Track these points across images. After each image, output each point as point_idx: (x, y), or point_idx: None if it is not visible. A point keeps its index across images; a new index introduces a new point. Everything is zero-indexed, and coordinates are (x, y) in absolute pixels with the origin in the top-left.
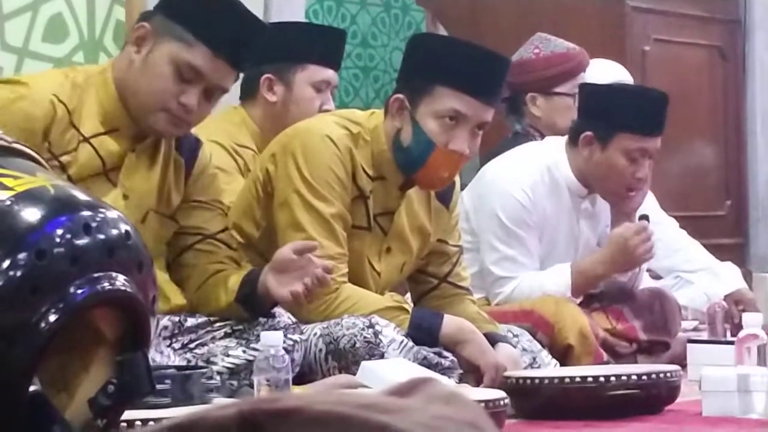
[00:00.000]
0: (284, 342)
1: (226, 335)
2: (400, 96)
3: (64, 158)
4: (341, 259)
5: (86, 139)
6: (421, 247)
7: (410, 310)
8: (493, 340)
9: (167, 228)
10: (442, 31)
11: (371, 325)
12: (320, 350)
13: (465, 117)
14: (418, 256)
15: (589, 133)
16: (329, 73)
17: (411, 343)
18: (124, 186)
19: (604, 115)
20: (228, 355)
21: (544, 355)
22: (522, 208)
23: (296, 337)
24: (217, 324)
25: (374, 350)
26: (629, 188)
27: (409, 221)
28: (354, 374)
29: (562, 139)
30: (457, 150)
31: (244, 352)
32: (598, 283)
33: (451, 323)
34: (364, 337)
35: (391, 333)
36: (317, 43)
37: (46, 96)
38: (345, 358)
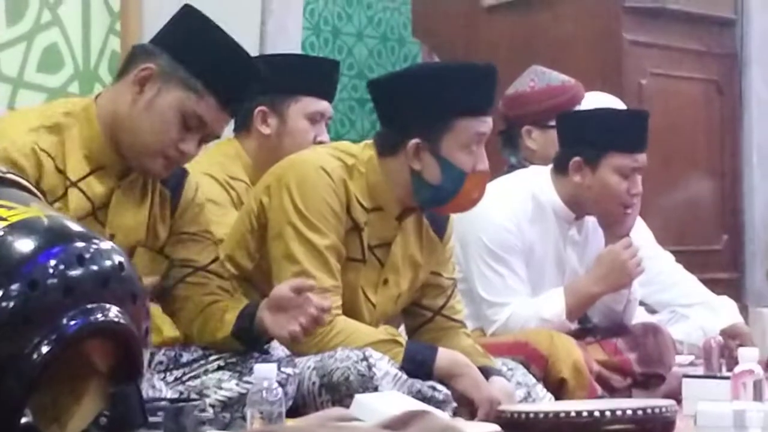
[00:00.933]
0: (278, 375)
1: (219, 368)
2: (417, 141)
3: (56, 204)
4: (335, 291)
5: (74, 184)
6: (413, 279)
7: (404, 343)
8: (487, 373)
9: (158, 263)
10: None
11: (365, 358)
12: (314, 383)
13: (484, 136)
14: (411, 288)
15: (577, 158)
16: (323, 105)
17: (405, 376)
18: (111, 225)
19: (589, 139)
20: (221, 388)
21: (539, 389)
22: (508, 233)
23: (290, 370)
24: (211, 357)
25: (368, 383)
26: (626, 205)
27: (402, 252)
28: (348, 407)
29: (547, 168)
30: (484, 169)
31: (237, 384)
32: (593, 303)
33: (445, 356)
34: (358, 370)
35: (385, 366)
36: (310, 75)
37: (28, 145)
38: (338, 391)
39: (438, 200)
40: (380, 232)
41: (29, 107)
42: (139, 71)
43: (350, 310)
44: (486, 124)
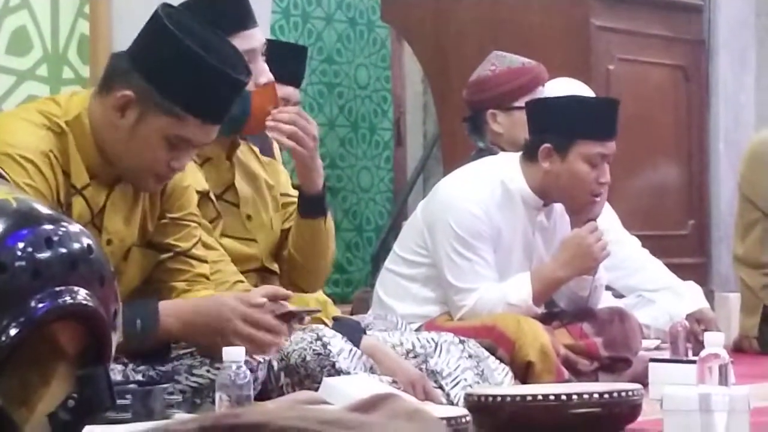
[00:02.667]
0: (249, 362)
1: (191, 354)
2: None
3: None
4: (224, 260)
5: (78, 191)
6: (273, 198)
7: (329, 324)
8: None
9: (150, 259)
10: (407, 48)
11: (319, 338)
12: (272, 367)
13: (254, 51)
14: (277, 208)
15: (547, 145)
16: (288, 90)
17: (359, 352)
18: (107, 230)
19: (558, 127)
20: (192, 374)
21: (491, 362)
22: (476, 219)
23: (260, 357)
24: (183, 342)
25: (325, 361)
26: (594, 194)
27: (249, 182)
28: (307, 389)
29: (516, 154)
30: (267, 80)
31: (208, 371)
32: (559, 287)
33: (367, 342)
34: (313, 350)
35: (339, 343)
36: (276, 61)
37: (42, 147)
38: (297, 373)
39: (234, 125)
40: (218, 178)
41: (21, 107)
42: (117, 98)
43: (242, 259)
44: (253, 40)
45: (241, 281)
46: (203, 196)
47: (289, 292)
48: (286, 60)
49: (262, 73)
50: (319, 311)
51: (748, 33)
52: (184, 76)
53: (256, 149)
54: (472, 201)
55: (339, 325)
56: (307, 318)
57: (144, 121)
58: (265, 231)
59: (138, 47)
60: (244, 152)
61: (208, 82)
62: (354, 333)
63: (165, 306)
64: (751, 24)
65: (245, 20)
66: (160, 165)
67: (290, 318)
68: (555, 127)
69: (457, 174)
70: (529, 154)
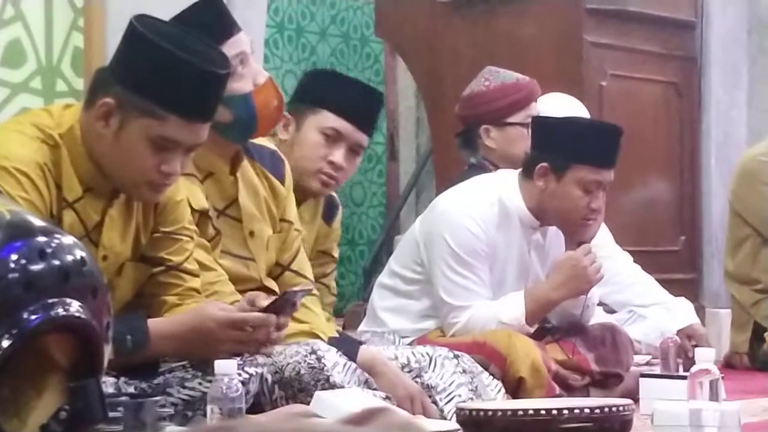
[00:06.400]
0: (241, 375)
1: (183, 367)
2: None
3: None
4: (221, 280)
5: (69, 205)
6: (272, 219)
7: (325, 337)
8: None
9: (142, 272)
10: (401, 63)
11: (313, 351)
12: (265, 380)
13: (242, 53)
14: (275, 229)
15: (544, 164)
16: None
17: (354, 365)
18: (104, 246)
19: (559, 148)
20: (184, 387)
21: (485, 377)
22: (473, 237)
23: (252, 370)
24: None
25: (319, 375)
26: (585, 218)
27: (252, 200)
28: (301, 402)
29: (515, 171)
30: (263, 80)
31: (200, 384)
32: (552, 308)
33: (365, 354)
34: (308, 363)
35: (333, 357)
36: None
37: (36, 159)
38: (291, 386)
39: (245, 130)
40: (220, 193)
41: (14, 119)
42: (98, 107)
43: (239, 277)
44: (239, 44)
45: (238, 301)
46: (202, 215)
47: (266, 296)
48: (366, 104)
49: (258, 73)
50: (311, 289)
51: (740, 50)
52: (158, 75)
53: (259, 165)
54: (470, 218)
55: (335, 339)
56: (299, 299)
57: (126, 127)
58: (263, 253)
59: (116, 57)
60: (247, 167)
61: (182, 78)
62: (351, 346)
63: (153, 321)
64: (743, 41)
65: (229, 27)
66: (149, 171)
67: (281, 307)
68: (555, 148)
69: (456, 189)
70: (528, 171)
